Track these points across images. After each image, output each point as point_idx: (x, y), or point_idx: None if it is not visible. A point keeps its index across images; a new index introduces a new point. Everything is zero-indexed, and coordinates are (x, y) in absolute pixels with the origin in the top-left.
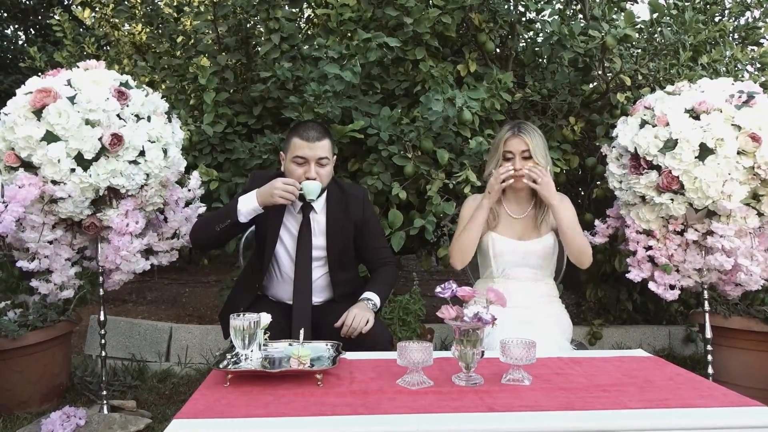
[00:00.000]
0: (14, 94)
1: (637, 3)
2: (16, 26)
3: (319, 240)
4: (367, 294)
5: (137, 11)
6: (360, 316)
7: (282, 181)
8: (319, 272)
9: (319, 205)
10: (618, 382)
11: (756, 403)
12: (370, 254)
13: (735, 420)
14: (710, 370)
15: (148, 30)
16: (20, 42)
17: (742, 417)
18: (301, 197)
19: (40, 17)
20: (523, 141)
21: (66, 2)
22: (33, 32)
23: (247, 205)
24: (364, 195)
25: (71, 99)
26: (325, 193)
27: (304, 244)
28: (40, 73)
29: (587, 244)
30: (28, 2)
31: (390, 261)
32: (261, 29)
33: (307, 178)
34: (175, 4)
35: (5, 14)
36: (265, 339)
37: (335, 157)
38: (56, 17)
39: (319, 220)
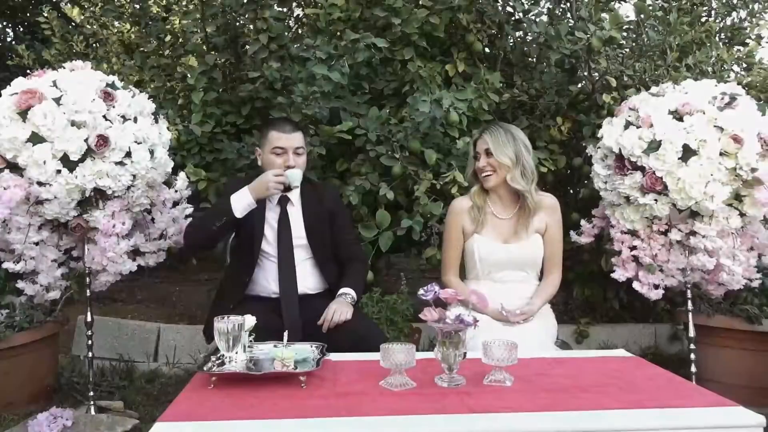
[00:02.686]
0: (0, 93)
1: (626, 2)
2: (4, 23)
3: (298, 228)
4: (344, 289)
5: (125, 10)
6: (339, 311)
7: (273, 173)
8: (303, 259)
9: (295, 198)
10: (599, 383)
11: (732, 403)
12: (341, 248)
13: (710, 420)
14: (693, 369)
15: (136, 29)
16: (8, 39)
17: (718, 417)
18: (286, 186)
19: (28, 14)
20: (484, 140)
21: (55, 0)
22: (21, 30)
23: (242, 201)
24: (335, 189)
25: (57, 100)
26: (298, 188)
27: (285, 232)
28: (28, 71)
29: (555, 284)
30: None
31: (361, 258)
32: (250, 28)
33: (288, 167)
34: (163, 3)
35: None
36: (250, 341)
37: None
38: (45, 15)
39: (295, 211)
